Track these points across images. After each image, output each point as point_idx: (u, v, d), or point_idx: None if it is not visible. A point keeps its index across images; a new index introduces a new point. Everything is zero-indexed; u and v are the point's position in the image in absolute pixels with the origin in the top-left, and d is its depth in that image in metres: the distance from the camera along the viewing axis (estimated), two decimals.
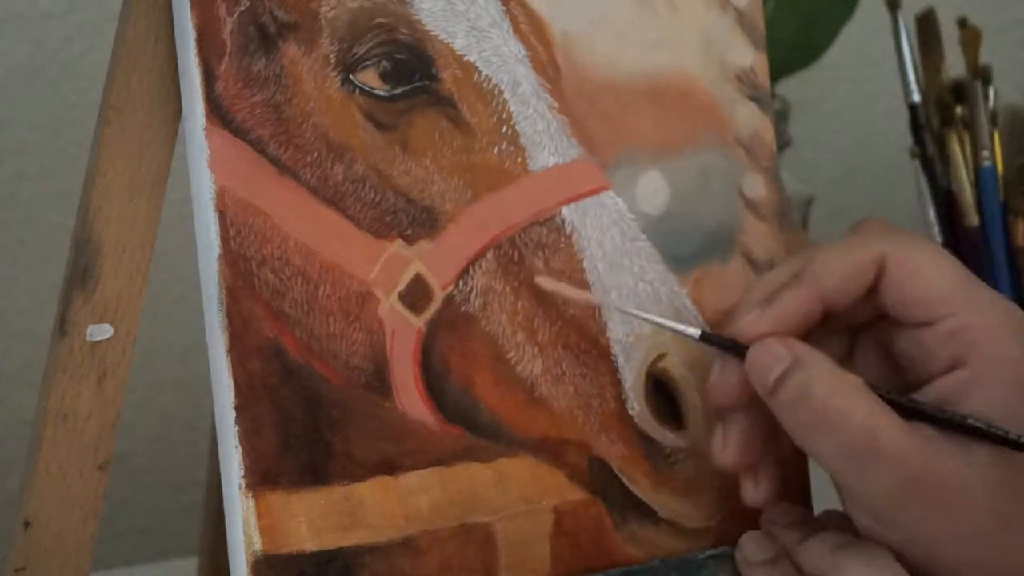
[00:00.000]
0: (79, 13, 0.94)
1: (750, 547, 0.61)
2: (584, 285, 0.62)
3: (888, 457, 0.56)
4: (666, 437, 0.63)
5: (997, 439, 0.56)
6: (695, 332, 0.60)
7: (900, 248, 0.59)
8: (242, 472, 0.56)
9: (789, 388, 0.57)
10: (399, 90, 0.59)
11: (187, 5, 0.56)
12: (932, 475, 0.56)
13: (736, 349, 0.59)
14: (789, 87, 0.97)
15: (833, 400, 0.57)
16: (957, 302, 0.58)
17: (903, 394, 0.58)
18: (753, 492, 0.61)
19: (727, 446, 0.60)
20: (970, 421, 0.57)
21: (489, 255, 0.60)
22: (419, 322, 0.59)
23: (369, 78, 0.59)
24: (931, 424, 0.57)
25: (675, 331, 0.61)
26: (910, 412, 0.57)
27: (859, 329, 0.62)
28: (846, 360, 0.62)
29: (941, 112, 0.83)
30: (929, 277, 0.59)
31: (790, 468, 0.64)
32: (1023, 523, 0.57)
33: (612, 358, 0.62)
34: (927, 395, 0.58)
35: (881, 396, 0.57)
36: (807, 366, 0.57)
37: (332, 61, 0.58)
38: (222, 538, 0.57)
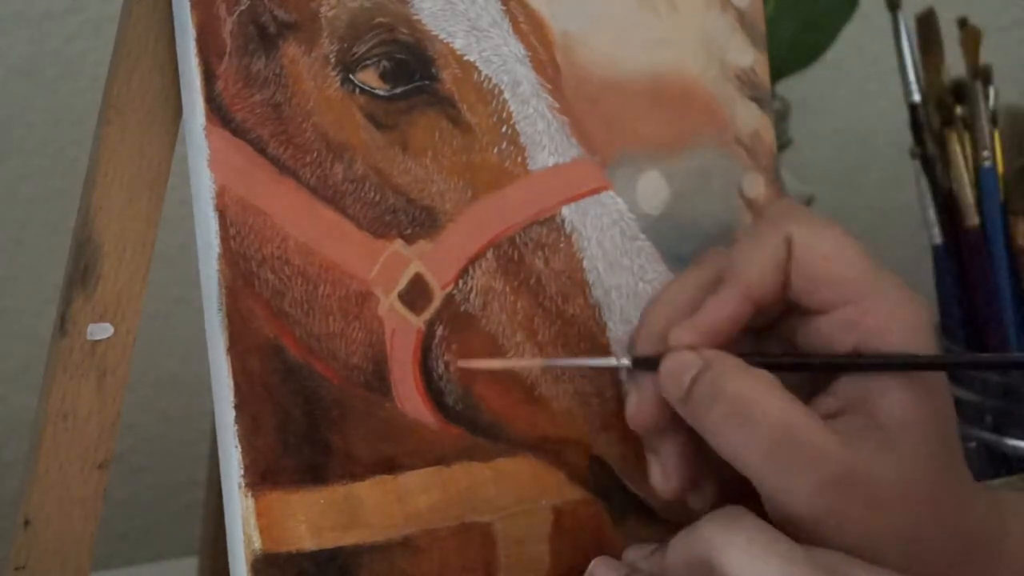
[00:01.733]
0: (79, 12, 0.94)
1: (600, 570, 0.59)
2: (584, 285, 0.62)
3: (807, 453, 0.54)
4: None
5: (927, 365, 0.55)
6: (627, 362, 0.59)
7: (806, 229, 0.57)
8: (242, 471, 0.56)
9: (701, 387, 0.55)
10: (399, 90, 0.59)
11: (187, 5, 0.56)
12: (854, 474, 0.54)
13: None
14: (789, 87, 0.97)
15: (746, 394, 0.55)
16: (862, 286, 0.56)
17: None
18: (702, 503, 0.59)
19: (667, 472, 0.59)
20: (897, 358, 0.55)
21: (489, 255, 0.60)
22: (419, 322, 0.59)
23: (369, 78, 0.59)
24: (855, 371, 0.56)
25: (606, 367, 0.60)
26: (830, 367, 0.57)
27: (762, 332, 0.60)
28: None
29: (941, 112, 0.83)
30: (836, 258, 0.57)
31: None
32: (951, 522, 0.55)
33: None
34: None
35: (798, 362, 0.57)
36: (717, 365, 0.56)
37: (332, 61, 0.58)
38: (222, 538, 0.57)
